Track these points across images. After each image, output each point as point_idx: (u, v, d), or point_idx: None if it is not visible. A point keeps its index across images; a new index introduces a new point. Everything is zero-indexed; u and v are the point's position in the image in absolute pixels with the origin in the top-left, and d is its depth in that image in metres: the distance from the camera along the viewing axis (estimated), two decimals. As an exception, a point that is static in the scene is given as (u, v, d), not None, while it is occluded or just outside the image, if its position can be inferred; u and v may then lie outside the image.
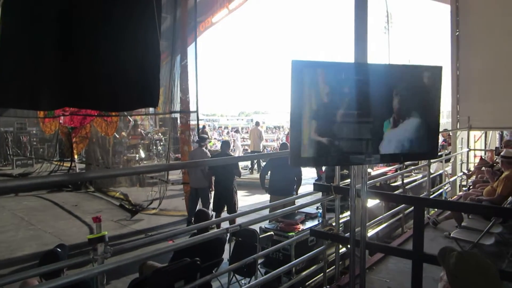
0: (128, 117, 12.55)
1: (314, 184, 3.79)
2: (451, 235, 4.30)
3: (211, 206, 6.89)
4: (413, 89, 2.77)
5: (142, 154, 12.48)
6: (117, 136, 12.05)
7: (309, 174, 9.52)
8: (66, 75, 2.08)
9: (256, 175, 12.82)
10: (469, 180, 7.15)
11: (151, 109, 12.19)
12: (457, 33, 7.74)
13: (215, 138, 21.09)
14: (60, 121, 12.75)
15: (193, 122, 9.24)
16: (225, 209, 6.86)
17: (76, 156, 13.27)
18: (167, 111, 11.14)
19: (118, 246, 2.39)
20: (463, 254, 1.64)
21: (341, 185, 3.66)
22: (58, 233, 6.68)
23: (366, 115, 2.65)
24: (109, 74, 2.20)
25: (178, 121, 13.11)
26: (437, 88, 2.84)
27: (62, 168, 13.51)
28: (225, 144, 7.80)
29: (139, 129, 13.28)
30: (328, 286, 3.73)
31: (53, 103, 2.26)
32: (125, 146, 12.50)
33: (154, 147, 13.11)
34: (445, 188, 7.84)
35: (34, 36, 1.98)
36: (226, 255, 4.06)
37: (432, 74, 2.83)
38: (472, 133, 8.29)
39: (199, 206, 7.00)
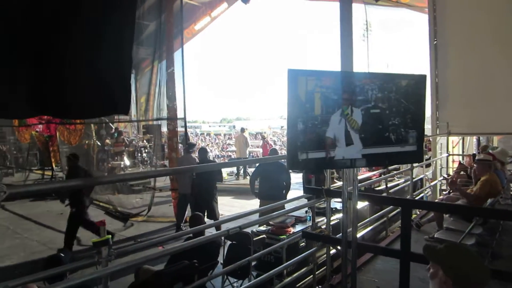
0: (110, 124, 12.45)
1: (305, 187, 3.94)
2: (435, 236, 4.50)
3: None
4: (400, 96, 2.95)
5: (127, 162, 12.42)
6: (99, 144, 11.94)
7: (293, 180, 9.65)
8: (32, 81, 2.02)
9: (242, 180, 12.93)
10: (449, 185, 7.43)
11: (133, 116, 12.17)
12: (435, 42, 8.07)
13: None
14: (37, 129, 12.49)
15: (179, 129, 9.28)
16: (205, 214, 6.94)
17: (54, 165, 13.04)
18: (150, 118, 11.08)
19: (122, 249, 2.45)
20: (453, 245, 1.78)
21: (332, 188, 3.80)
22: (45, 241, 6.59)
23: (356, 121, 2.81)
24: (76, 80, 2.14)
25: (163, 128, 13.14)
26: (421, 95, 3.04)
27: (45, 177, 13.27)
28: (203, 151, 7.60)
29: (122, 136, 13.20)
30: (320, 286, 3.84)
31: (20, 111, 2.20)
32: (109, 153, 12.40)
33: (139, 154, 13.06)
34: (425, 192, 8.11)
35: (6, 44, 1.94)
36: (219, 258, 4.14)
37: (416, 82, 3.02)
38: (450, 138, 8.62)
39: (188, 211, 7.08)
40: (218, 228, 4.06)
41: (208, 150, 11.89)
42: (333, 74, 2.86)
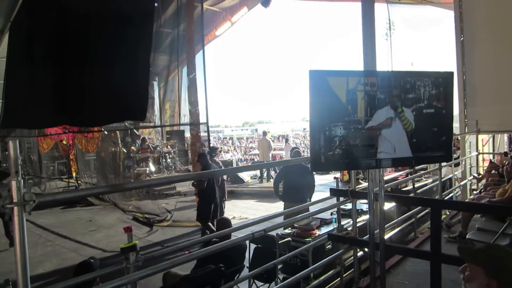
0: (134, 130, 12.67)
1: (330, 189, 3.88)
2: (467, 237, 4.36)
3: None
4: (427, 94, 2.86)
5: (152, 168, 12.60)
6: (125, 151, 12.17)
7: (318, 181, 9.59)
8: (52, 92, 2.05)
9: (265, 184, 12.92)
10: (480, 184, 7.18)
11: (157, 122, 12.37)
12: (462, 38, 7.84)
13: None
14: (63, 138, 12.82)
15: (202, 134, 9.36)
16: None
17: (74, 174, 13.35)
18: (174, 123, 11.18)
19: (149, 255, 2.48)
20: (495, 246, 1.67)
21: (357, 189, 3.74)
22: (75, 248, 6.77)
23: (381, 120, 2.75)
24: (94, 89, 2.16)
25: (186, 134, 13.25)
26: (449, 93, 2.94)
27: (70, 185, 13.62)
28: (203, 157, 7.27)
29: (146, 143, 13.42)
30: (347, 290, 3.78)
31: (40, 121, 2.24)
32: (135, 160, 12.63)
33: (164, 160, 13.24)
34: (455, 192, 7.86)
35: (35, 58, 1.98)
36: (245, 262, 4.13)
37: (444, 79, 2.93)
38: (479, 137, 8.33)
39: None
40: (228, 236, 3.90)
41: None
42: (357, 73, 2.81)
